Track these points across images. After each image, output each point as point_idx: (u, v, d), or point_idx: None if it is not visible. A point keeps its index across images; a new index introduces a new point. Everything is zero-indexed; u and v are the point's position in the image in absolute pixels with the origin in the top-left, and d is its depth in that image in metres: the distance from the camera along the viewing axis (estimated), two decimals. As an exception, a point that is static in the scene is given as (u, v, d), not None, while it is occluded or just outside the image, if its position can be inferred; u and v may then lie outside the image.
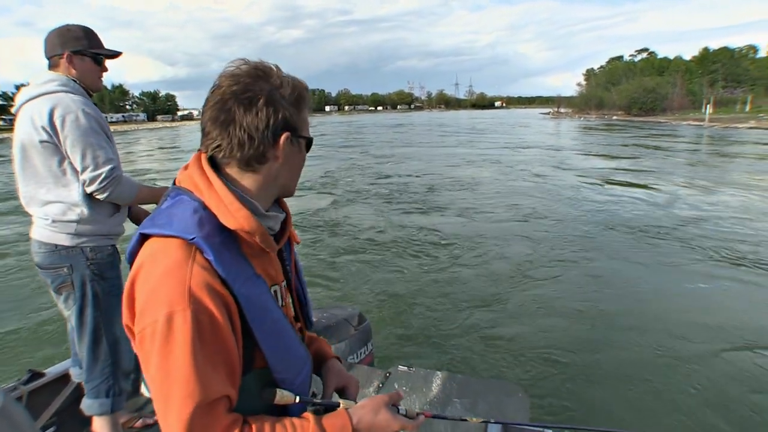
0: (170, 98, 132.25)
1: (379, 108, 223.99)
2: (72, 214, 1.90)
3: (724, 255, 6.91)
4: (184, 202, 0.85)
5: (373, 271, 6.50)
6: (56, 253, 1.91)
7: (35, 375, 2.36)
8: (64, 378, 2.41)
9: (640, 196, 11.69)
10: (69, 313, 2.00)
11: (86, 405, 2.02)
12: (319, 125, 63.74)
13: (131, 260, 0.86)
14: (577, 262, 6.80)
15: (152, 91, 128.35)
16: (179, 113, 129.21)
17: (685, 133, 36.27)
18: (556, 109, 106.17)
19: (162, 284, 0.76)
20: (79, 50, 1.92)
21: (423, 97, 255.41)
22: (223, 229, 0.84)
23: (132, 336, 0.81)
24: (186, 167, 0.91)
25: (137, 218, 2.20)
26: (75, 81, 1.91)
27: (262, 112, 0.84)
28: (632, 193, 12.03)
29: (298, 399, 0.90)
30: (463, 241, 7.90)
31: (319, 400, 0.95)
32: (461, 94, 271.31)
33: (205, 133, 0.88)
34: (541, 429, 1.80)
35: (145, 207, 2.21)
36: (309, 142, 0.96)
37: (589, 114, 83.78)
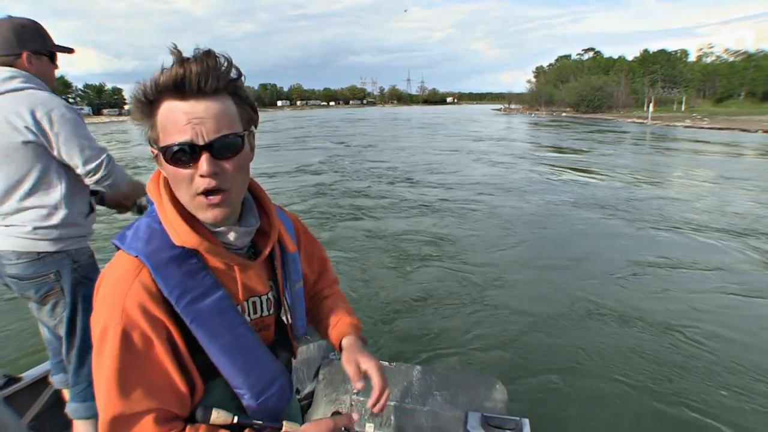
0: (117, 92, 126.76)
1: (332, 103, 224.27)
2: (54, 218, 1.82)
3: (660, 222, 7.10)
4: (149, 213, 0.88)
5: (349, 269, 6.26)
6: (39, 261, 1.82)
7: (12, 380, 2.32)
8: (42, 382, 2.38)
9: (592, 182, 12.20)
10: (56, 321, 1.92)
11: (72, 408, 1.98)
12: (269, 121, 63.43)
13: None
14: (538, 247, 6.98)
15: (97, 84, 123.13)
16: (126, 107, 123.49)
17: (630, 130, 37.77)
18: (507, 105, 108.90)
19: (105, 296, 0.80)
20: (38, 50, 1.82)
21: (375, 93, 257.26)
22: (174, 244, 0.84)
23: None
24: (151, 179, 0.91)
25: (115, 203, 2.14)
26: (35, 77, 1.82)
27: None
28: (585, 180, 12.54)
29: (236, 419, 0.87)
30: (435, 235, 7.74)
31: (259, 422, 0.90)
32: (413, 90, 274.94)
33: None
34: (518, 419, 1.83)
35: None
36: (163, 152, 0.81)
37: (539, 110, 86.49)
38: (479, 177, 13.67)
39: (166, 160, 0.80)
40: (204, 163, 0.79)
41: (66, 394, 2.14)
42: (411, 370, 2.17)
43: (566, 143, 25.13)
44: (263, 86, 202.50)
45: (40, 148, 1.75)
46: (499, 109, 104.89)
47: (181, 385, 0.82)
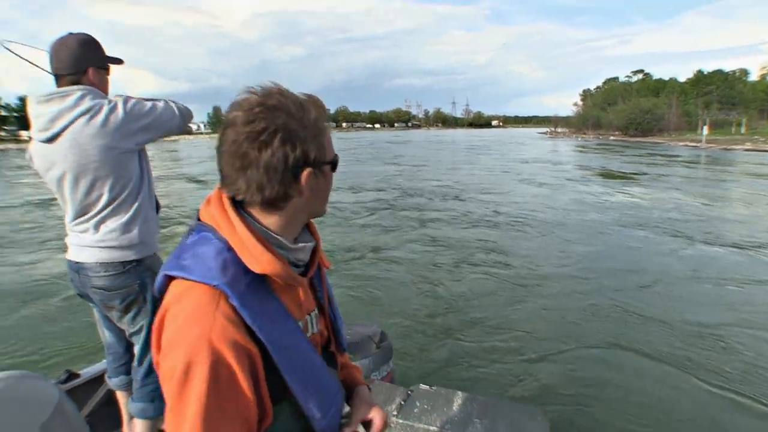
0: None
1: (377, 126, 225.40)
2: (135, 228, 1.90)
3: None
4: (209, 241, 0.82)
5: (393, 287, 6.40)
6: (126, 273, 1.90)
7: (72, 375, 2.45)
8: (99, 380, 2.48)
9: (642, 204, 12.00)
10: (135, 329, 2.00)
11: (140, 408, 2.06)
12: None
13: (160, 296, 0.84)
14: (597, 271, 6.83)
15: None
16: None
17: (682, 153, 36.57)
18: (553, 129, 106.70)
19: (184, 331, 0.75)
20: (99, 64, 1.90)
21: (420, 116, 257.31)
22: (248, 270, 0.81)
23: (157, 368, 0.80)
24: (208, 202, 0.87)
25: None
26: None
27: (279, 151, 0.79)
28: (634, 202, 12.36)
29: None
30: (489, 253, 7.90)
31: None
32: (458, 113, 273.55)
33: (223, 175, 0.83)
34: None
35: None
36: (335, 163, 0.90)
37: (586, 134, 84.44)
38: (528, 197, 13.89)
39: (334, 168, 0.90)
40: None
41: (120, 395, 2.25)
42: (452, 396, 2.18)
43: (614, 166, 24.82)
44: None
45: (132, 154, 1.87)
46: (545, 133, 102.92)
47: (256, 415, 0.81)
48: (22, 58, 2.06)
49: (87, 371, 2.54)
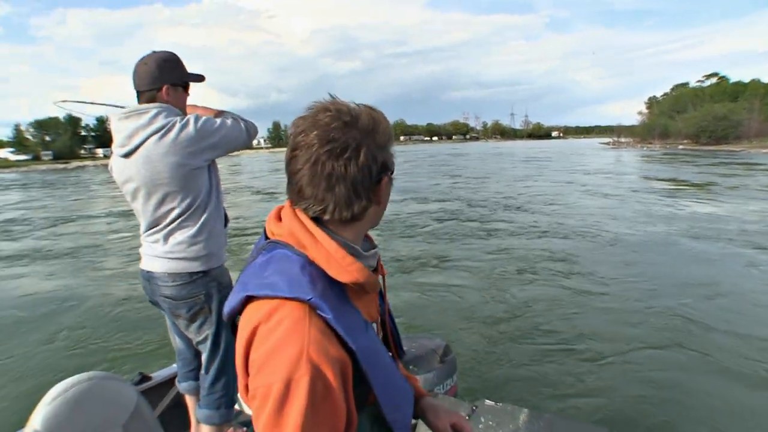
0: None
1: (434, 138, 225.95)
2: (203, 240, 1.97)
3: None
4: (289, 258, 0.83)
5: (458, 296, 6.31)
6: (192, 283, 1.97)
7: (144, 378, 2.57)
8: (168, 383, 2.60)
9: (716, 215, 11.33)
10: (201, 337, 2.08)
11: (206, 415, 2.15)
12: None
13: (232, 317, 0.86)
14: (676, 287, 6.43)
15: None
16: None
17: (764, 162, 34.03)
18: (616, 139, 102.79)
19: (280, 348, 0.75)
20: (175, 82, 1.97)
21: (478, 128, 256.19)
22: (331, 281, 0.82)
23: (244, 391, 0.81)
24: (278, 218, 0.89)
25: None
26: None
27: (364, 164, 0.81)
28: (707, 212, 11.75)
29: None
30: (554, 263, 7.72)
31: None
32: (517, 125, 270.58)
33: (303, 197, 0.83)
34: None
35: None
36: (392, 172, 0.90)
37: (652, 143, 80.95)
38: (593, 208, 13.59)
39: (390, 178, 0.89)
40: None
41: (189, 399, 2.34)
42: (518, 413, 2.14)
43: (684, 176, 23.78)
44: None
45: (201, 170, 1.93)
46: (608, 143, 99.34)
47: (345, 425, 0.80)
48: (79, 109, 2.38)
49: (159, 374, 2.65)
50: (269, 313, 0.77)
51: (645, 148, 71.37)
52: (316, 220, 0.85)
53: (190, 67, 2.06)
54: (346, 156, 0.79)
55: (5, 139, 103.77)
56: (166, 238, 1.97)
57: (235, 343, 0.82)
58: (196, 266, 1.97)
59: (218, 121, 1.96)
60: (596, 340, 4.86)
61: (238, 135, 2.00)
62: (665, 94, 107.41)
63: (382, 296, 1.05)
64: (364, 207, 0.84)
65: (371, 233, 0.96)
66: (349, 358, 0.78)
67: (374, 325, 0.95)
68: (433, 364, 2.63)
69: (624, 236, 9.64)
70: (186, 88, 2.05)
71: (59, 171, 61.24)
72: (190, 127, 1.87)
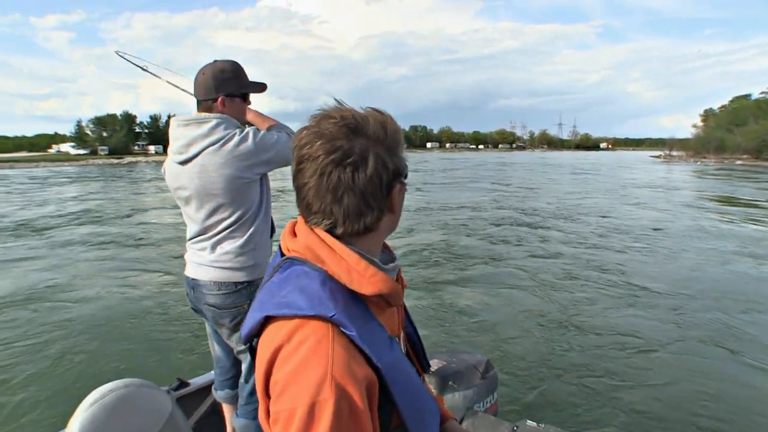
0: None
1: (480, 147, 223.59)
2: (250, 250, 1.98)
3: None
4: (306, 274, 0.79)
5: (502, 308, 6.16)
6: (237, 293, 1.99)
7: (182, 384, 2.58)
8: (205, 390, 2.61)
9: None
10: (243, 347, 2.09)
11: (242, 425, 2.14)
12: (424, 161, 65.61)
13: (249, 339, 0.83)
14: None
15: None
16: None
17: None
18: (667, 152, 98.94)
19: (303, 369, 0.71)
20: (231, 92, 1.98)
21: (525, 137, 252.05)
22: (353, 296, 0.79)
23: (265, 416, 0.77)
24: (293, 234, 0.86)
25: None
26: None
27: (373, 171, 0.77)
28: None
29: None
30: (606, 277, 7.52)
31: None
32: (564, 135, 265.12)
33: (312, 211, 0.81)
34: None
35: None
36: (406, 175, 0.86)
37: (706, 157, 77.44)
38: (646, 220, 13.28)
39: (402, 185, 0.85)
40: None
41: (225, 408, 2.36)
42: None
43: (744, 193, 22.65)
44: (413, 128, 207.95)
45: (254, 183, 1.95)
46: (658, 156, 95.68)
47: None
48: (170, 82, 2.46)
49: (196, 381, 2.66)
50: (290, 333, 0.74)
51: (699, 163, 68.27)
52: (331, 233, 0.81)
53: (246, 70, 2.05)
54: (353, 165, 0.75)
55: (68, 134, 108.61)
56: (213, 246, 1.99)
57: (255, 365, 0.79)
58: (241, 276, 1.98)
59: (275, 136, 1.98)
60: (649, 363, 4.65)
61: (290, 154, 2.01)
62: (723, 107, 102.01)
63: (404, 309, 1.02)
64: (377, 218, 0.80)
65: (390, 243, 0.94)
66: (375, 376, 0.75)
67: (397, 339, 0.90)
68: (474, 381, 2.57)
69: (678, 252, 9.35)
70: (245, 97, 2.07)
71: (114, 165, 63.51)
72: (249, 141, 1.89)
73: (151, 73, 2.60)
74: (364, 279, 0.78)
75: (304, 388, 0.70)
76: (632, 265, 8.36)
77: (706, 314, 5.87)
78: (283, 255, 0.85)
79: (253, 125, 2.09)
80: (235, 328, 2.04)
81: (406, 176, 0.84)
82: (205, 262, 2.00)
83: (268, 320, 0.79)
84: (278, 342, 0.74)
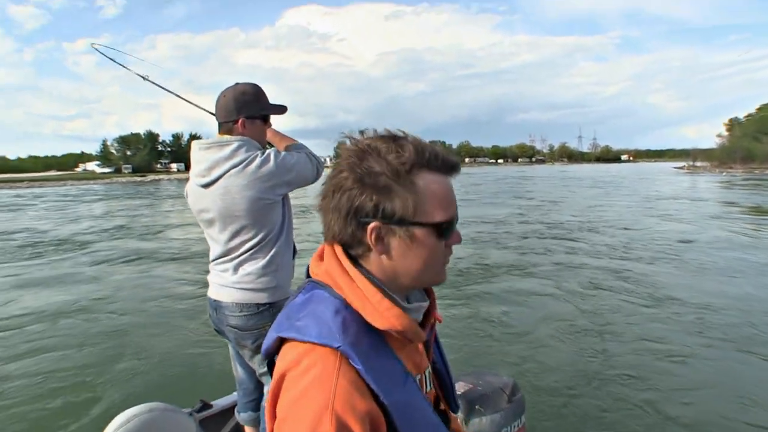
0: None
1: (500, 161, 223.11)
2: (272, 272, 1.99)
3: None
4: (324, 299, 0.79)
5: (530, 326, 5.92)
6: (259, 314, 1.99)
7: (205, 405, 2.60)
8: (228, 412, 2.61)
9: None
10: (264, 370, 2.07)
11: None
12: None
13: (267, 357, 0.84)
14: None
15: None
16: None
17: None
18: (690, 163, 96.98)
19: (305, 398, 0.70)
20: (252, 114, 2.01)
21: (545, 150, 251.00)
22: (369, 328, 0.77)
23: None
24: (320, 258, 0.86)
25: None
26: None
27: (345, 195, 0.77)
28: None
29: None
30: (637, 292, 7.24)
31: None
32: (584, 147, 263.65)
33: (323, 227, 0.84)
34: None
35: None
36: (438, 227, 0.79)
37: (732, 168, 75.74)
38: (673, 233, 12.95)
39: (441, 235, 0.80)
40: (457, 233, 0.83)
41: (248, 430, 2.34)
42: None
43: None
44: (432, 143, 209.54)
45: (275, 204, 1.96)
46: (681, 167, 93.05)
47: None
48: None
49: (219, 402, 2.67)
50: (299, 357, 0.74)
51: (724, 173, 66.65)
52: (354, 260, 0.81)
53: (264, 88, 2.07)
54: (337, 182, 0.78)
55: (93, 153, 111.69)
56: (236, 268, 1.99)
57: None
58: (263, 298, 1.98)
59: (295, 157, 2.00)
60: (688, 386, 4.30)
61: (309, 174, 2.04)
62: (749, 115, 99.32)
63: (437, 344, 1.00)
64: (351, 242, 0.80)
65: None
66: (380, 413, 0.72)
67: (420, 376, 0.87)
68: (501, 404, 2.46)
69: (708, 264, 9.06)
70: (266, 120, 2.09)
71: (137, 183, 64.86)
72: (271, 163, 1.90)
73: (124, 67, 2.76)
74: (377, 312, 0.76)
75: (304, 417, 0.69)
76: (661, 276, 8.16)
77: (739, 325, 5.65)
78: (309, 276, 0.86)
79: (273, 146, 2.12)
80: (257, 349, 2.02)
81: (420, 225, 0.78)
82: (228, 284, 2.01)
83: (283, 340, 0.79)
84: (286, 365, 0.75)
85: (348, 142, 0.81)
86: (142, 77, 2.78)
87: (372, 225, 0.76)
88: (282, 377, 0.74)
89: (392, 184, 0.76)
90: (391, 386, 0.74)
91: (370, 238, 0.77)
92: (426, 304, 0.89)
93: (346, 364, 0.72)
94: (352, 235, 0.78)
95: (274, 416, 0.75)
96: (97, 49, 2.87)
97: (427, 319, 0.91)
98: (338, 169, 0.79)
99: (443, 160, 0.80)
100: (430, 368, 0.93)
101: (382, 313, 0.76)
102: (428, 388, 0.91)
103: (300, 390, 0.71)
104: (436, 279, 0.85)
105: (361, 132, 0.83)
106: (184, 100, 2.20)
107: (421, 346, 0.90)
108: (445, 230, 0.79)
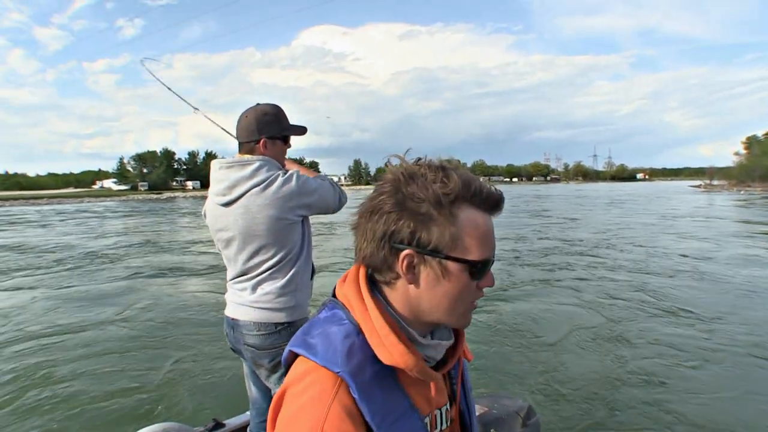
0: (314, 165, 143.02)
1: (515, 179, 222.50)
2: (290, 292, 1.99)
3: None
4: (339, 321, 0.79)
5: (544, 352, 5.69)
6: (276, 333, 1.98)
7: (218, 425, 2.59)
8: (241, 431, 2.58)
9: None
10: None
11: None
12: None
13: (286, 367, 0.83)
14: None
15: (298, 158, 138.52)
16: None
17: None
18: (707, 182, 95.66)
19: (298, 417, 0.71)
20: (273, 135, 2.03)
21: (560, 169, 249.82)
22: (377, 358, 0.75)
23: None
24: (344, 279, 0.84)
25: None
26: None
27: (382, 219, 0.75)
28: None
29: None
30: (654, 310, 7.17)
31: None
32: (599, 166, 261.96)
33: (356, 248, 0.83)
34: None
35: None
36: (473, 266, 0.76)
37: (750, 186, 74.52)
38: (693, 250, 12.89)
39: (474, 274, 0.77)
40: (491, 275, 0.80)
41: None
42: None
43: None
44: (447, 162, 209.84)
45: (295, 225, 1.96)
46: (698, 186, 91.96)
47: None
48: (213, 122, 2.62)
49: (231, 422, 2.66)
50: (303, 375, 0.74)
51: (742, 192, 65.64)
52: (375, 287, 0.81)
53: (281, 106, 2.10)
54: (375, 205, 0.76)
55: (110, 170, 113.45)
56: (254, 287, 2.00)
57: None
58: (281, 317, 1.99)
59: (318, 182, 2.01)
60: (708, 413, 4.10)
61: (332, 201, 2.05)
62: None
63: (463, 383, 0.96)
64: (381, 266, 0.77)
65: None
66: None
67: (440, 411, 0.85)
68: (515, 428, 2.48)
69: (725, 279, 8.99)
70: (286, 140, 2.11)
71: (154, 200, 65.55)
72: (293, 183, 1.91)
73: (179, 96, 2.77)
74: (383, 346, 0.74)
75: None
76: (680, 291, 8.18)
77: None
78: (334, 294, 0.85)
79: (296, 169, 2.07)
80: (274, 369, 2.02)
81: (455, 261, 0.75)
82: (246, 303, 2.01)
83: (295, 354, 0.79)
84: (289, 381, 0.76)
85: (394, 162, 0.80)
86: (194, 108, 2.82)
87: (405, 252, 0.74)
88: (284, 391, 0.75)
89: (433, 213, 0.74)
90: (389, 421, 0.72)
91: (401, 266, 0.75)
92: (448, 343, 0.86)
93: (345, 390, 0.71)
94: (383, 259, 0.76)
95: (273, 427, 0.75)
96: (148, 70, 2.92)
97: (451, 356, 0.88)
98: (379, 191, 0.77)
99: (488, 196, 0.78)
100: (447, 405, 0.89)
101: (388, 348, 0.74)
102: (443, 425, 0.87)
103: (295, 409, 0.71)
104: (460, 322, 0.82)
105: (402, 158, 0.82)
106: (230, 134, 2.23)
107: (440, 383, 0.87)
108: (479, 270, 0.77)
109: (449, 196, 0.74)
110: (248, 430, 2.38)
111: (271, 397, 2.02)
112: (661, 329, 6.18)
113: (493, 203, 0.79)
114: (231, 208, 1.95)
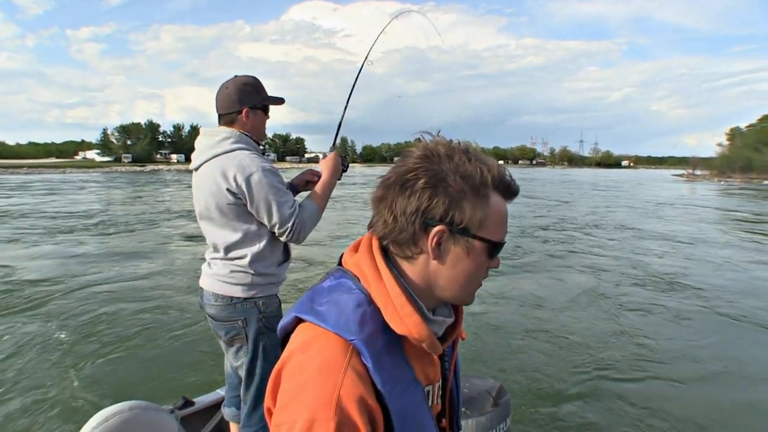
0: (300, 141, 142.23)
1: (501, 162, 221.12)
2: (251, 267, 1.98)
3: None
4: (349, 290, 0.79)
5: (514, 334, 5.71)
6: (232, 306, 2.00)
7: (187, 402, 2.56)
8: (213, 408, 2.60)
9: None
10: (238, 363, 2.09)
11: None
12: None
13: (282, 336, 0.83)
14: None
15: (284, 133, 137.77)
16: (306, 156, 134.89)
17: None
18: (690, 171, 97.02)
19: (310, 384, 0.70)
20: (254, 105, 2.05)
21: (546, 153, 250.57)
22: (386, 327, 0.76)
23: (269, 417, 0.78)
24: (355, 248, 0.85)
25: (296, 191, 2.27)
26: (247, 135, 2.04)
27: (415, 195, 0.75)
28: None
29: None
30: (635, 289, 7.48)
31: None
32: (585, 152, 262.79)
33: (372, 220, 0.83)
34: None
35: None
36: (493, 246, 0.80)
37: (731, 177, 75.66)
38: (680, 234, 13.22)
39: (490, 253, 0.81)
40: (498, 258, 0.84)
41: (232, 426, 2.32)
42: None
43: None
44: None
45: (242, 209, 1.94)
46: (680, 175, 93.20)
47: None
48: None
49: (202, 399, 2.65)
50: (309, 341, 0.74)
51: (723, 182, 66.61)
52: (388, 257, 0.81)
53: (267, 82, 2.13)
54: (405, 181, 0.76)
55: (94, 141, 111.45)
56: (219, 260, 2.03)
57: None
58: (237, 291, 1.99)
59: (288, 198, 1.96)
60: (677, 394, 4.24)
61: (278, 224, 1.94)
62: (751, 126, 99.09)
63: (456, 363, 0.99)
64: (404, 240, 0.78)
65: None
66: (381, 416, 0.72)
67: (429, 388, 0.86)
68: (487, 407, 2.48)
69: (711, 260, 9.17)
70: (266, 110, 2.14)
71: (137, 173, 64.66)
72: (252, 176, 1.89)
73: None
74: (397, 315, 0.75)
75: (307, 403, 0.68)
76: (667, 269, 8.45)
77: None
78: (340, 264, 0.85)
79: (269, 149, 2.02)
80: (230, 342, 2.06)
81: (481, 240, 0.78)
82: (209, 273, 2.06)
83: (299, 320, 0.79)
84: (293, 348, 0.75)
85: (426, 138, 0.81)
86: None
87: (437, 228, 0.76)
88: (288, 358, 0.75)
89: (469, 195, 0.76)
90: (398, 390, 0.74)
91: (430, 242, 0.76)
92: (450, 320, 0.88)
93: (357, 358, 0.71)
94: (412, 235, 0.77)
95: (273, 396, 0.75)
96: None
97: (450, 334, 0.90)
98: (410, 166, 0.77)
99: (513, 188, 0.83)
100: (440, 382, 0.92)
101: (402, 318, 0.75)
102: (435, 401, 0.89)
103: (306, 375, 0.70)
104: (468, 299, 0.85)
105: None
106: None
107: (436, 359, 0.88)
108: (496, 250, 0.81)
109: (487, 180, 0.77)
110: (222, 405, 2.39)
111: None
112: (639, 299, 6.70)
113: (514, 193, 0.84)
114: (197, 177, 2.03)
